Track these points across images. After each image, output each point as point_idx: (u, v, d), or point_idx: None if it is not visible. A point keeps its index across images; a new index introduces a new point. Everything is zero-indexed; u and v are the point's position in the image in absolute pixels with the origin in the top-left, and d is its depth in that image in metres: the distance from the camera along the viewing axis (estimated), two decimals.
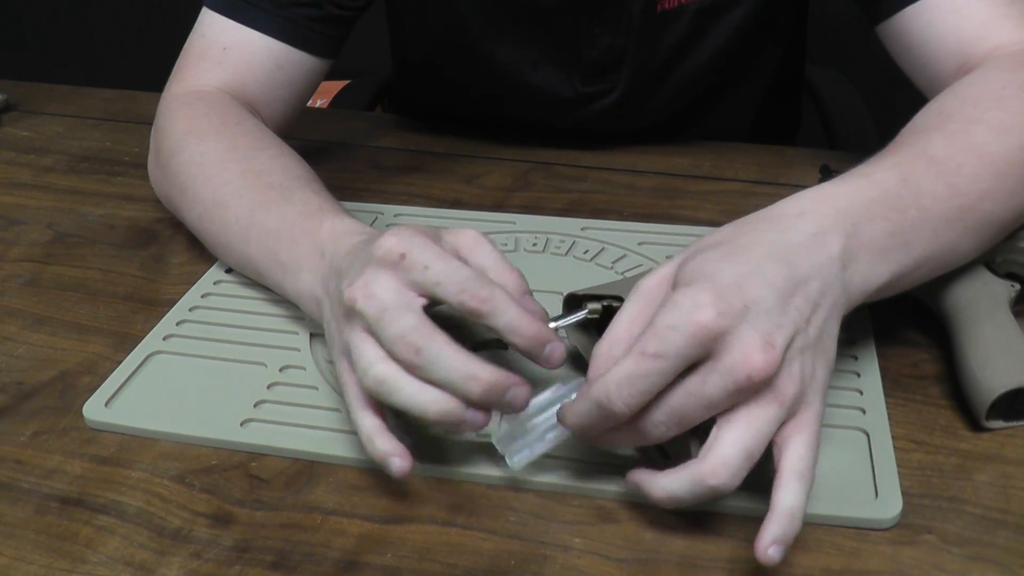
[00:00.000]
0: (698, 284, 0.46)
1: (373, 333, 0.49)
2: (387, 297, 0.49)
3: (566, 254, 0.73)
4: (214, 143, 0.71)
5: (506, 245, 0.74)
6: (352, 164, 0.91)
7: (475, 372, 0.47)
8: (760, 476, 0.46)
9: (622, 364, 0.45)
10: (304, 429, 0.56)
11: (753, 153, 0.91)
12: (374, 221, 0.78)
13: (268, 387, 0.60)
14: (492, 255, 0.54)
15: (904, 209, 0.52)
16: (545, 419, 0.51)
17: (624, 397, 0.45)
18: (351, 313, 0.50)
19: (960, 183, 0.55)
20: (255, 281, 0.68)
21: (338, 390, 0.59)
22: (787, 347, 0.46)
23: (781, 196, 0.80)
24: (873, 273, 0.51)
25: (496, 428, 0.51)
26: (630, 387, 0.45)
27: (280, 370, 0.61)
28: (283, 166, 0.68)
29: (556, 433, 0.51)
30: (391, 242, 0.50)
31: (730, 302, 0.45)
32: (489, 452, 0.53)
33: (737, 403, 0.45)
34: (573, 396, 0.51)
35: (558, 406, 0.50)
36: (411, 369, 0.48)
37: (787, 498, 0.45)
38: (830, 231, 0.50)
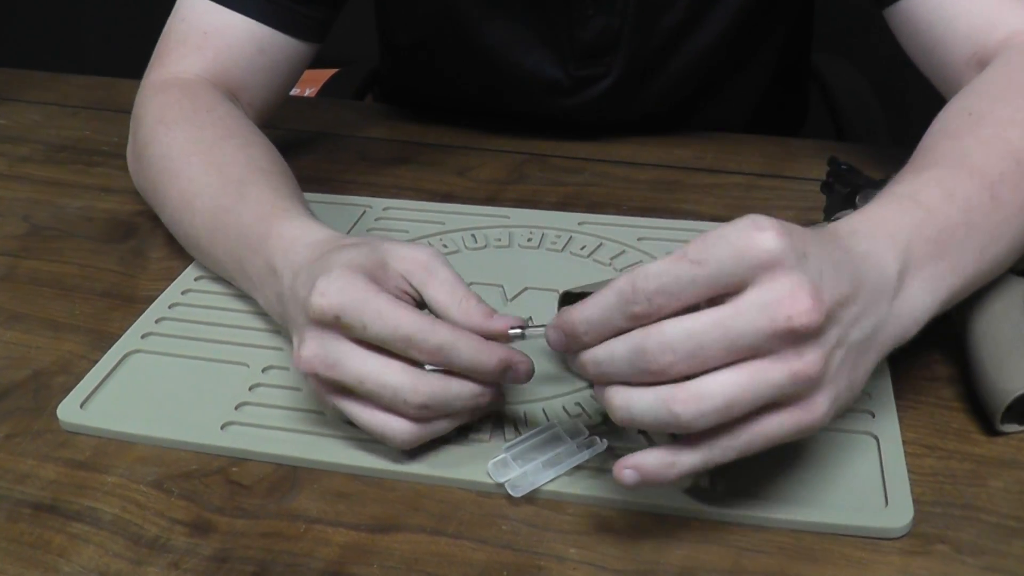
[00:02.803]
0: (760, 215, 0.43)
1: (359, 394, 0.50)
2: (349, 364, 0.49)
3: (562, 250, 0.72)
4: (181, 133, 0.71)
5: (500, 240, 0.74)
6: (340, 155, 0.90)
7: (476, 391, 0.51)
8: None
9: (655, 262, 0.43)
10: (287, 433, 0.56)
11: (757, 144, 0.90)
12: (362, 215, 0.77)
13: (250, 388, 0.59)
14: (446, 286, 0.53)
15: (953, 229, 0.51)
16: (545, 453, 0.52)
17: (649, 290, 0.42)
18: (320, 379, 0.51)
19: (1003, 193, 0.54)
20: None
21: None
22: (831, 319, 0.43)
23: (787, 189, 0.81)
24: (924, 302, 0.49)
25: (494, 464, 0.52)
26: (657, 280, 0.42)
27: (263, 371, 0.60)
28: (247, 157, 0.68)
29: (557, 469, 0.52)
30: (322, 305, 0.49)
31: (792, 240, 0.42)
32: (480, 458, 0.53)
33: (757, 355, 0.42)
34: (574, 446, 0.53)
35: (559, 448, 0.52)
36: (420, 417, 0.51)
37: (686, 456, 0.44)
38: (885, 252, 0.48)
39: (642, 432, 0.49)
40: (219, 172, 0.66)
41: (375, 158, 0.90)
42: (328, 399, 0.52)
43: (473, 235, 0.75)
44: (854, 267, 0.46)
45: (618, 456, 0.52)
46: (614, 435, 0.53)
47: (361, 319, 0.49)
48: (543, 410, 0.57)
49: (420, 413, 0.50)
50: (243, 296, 0.67)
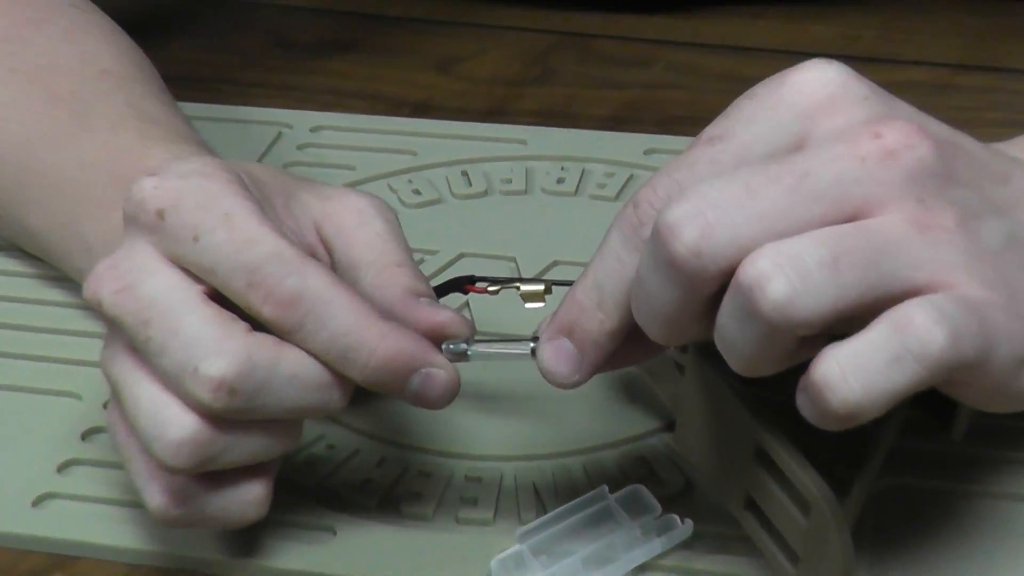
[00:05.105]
0: None
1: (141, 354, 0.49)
2: (142, 290, 0.49)
3: (616, 197, 0.72)
4: None
5: (511, 181, 0.74)
6: (239, 40, 0.92)
7: (323, 379, 0.49)
8: None
9: None
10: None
11: (952, 15, 0.91)
12: (276, 139, 0.78)
13: (83, 436, 0.60)
14: (376, 242, 0.54)
15: None
16: (589, 543, 0.52)
17: (659, 197, 0.45)
18: (105, 318, 0.50)
19: None
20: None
21: None
22: (950, 168, 0.44)
23: (1002, 91, 0.81)
24: None
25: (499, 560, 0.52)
26: (668, 179, 0.45)
27: (105, 405, 0.59)
28: (79, 55, 0.69)
29: (609, 571, 0.51)
30: (145, 189, 0.49)
31: (856, 75, 0.47)
32: (479, 550, 0.52)
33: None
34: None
35: (613, 534, 0.52)
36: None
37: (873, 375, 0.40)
38: None
39: (752, 507, 0.48)
40: (31, 83, 0.68)
41: (299, 44, 0.91)
42: (106, 367, 0.51)
43: (465, 172, 0.75)
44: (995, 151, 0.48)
45: (707, 545, 0.53)
46: (703, 512, 0.53)
47: (194, 222, 0.48)
48: (584, 468, 0.57)
49: (217, 399, 0.47)
50: (68, 283, 0.67)
